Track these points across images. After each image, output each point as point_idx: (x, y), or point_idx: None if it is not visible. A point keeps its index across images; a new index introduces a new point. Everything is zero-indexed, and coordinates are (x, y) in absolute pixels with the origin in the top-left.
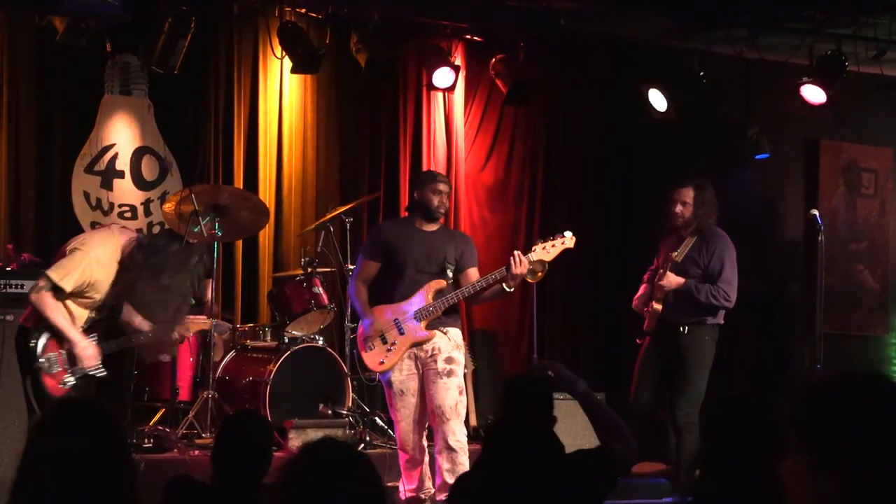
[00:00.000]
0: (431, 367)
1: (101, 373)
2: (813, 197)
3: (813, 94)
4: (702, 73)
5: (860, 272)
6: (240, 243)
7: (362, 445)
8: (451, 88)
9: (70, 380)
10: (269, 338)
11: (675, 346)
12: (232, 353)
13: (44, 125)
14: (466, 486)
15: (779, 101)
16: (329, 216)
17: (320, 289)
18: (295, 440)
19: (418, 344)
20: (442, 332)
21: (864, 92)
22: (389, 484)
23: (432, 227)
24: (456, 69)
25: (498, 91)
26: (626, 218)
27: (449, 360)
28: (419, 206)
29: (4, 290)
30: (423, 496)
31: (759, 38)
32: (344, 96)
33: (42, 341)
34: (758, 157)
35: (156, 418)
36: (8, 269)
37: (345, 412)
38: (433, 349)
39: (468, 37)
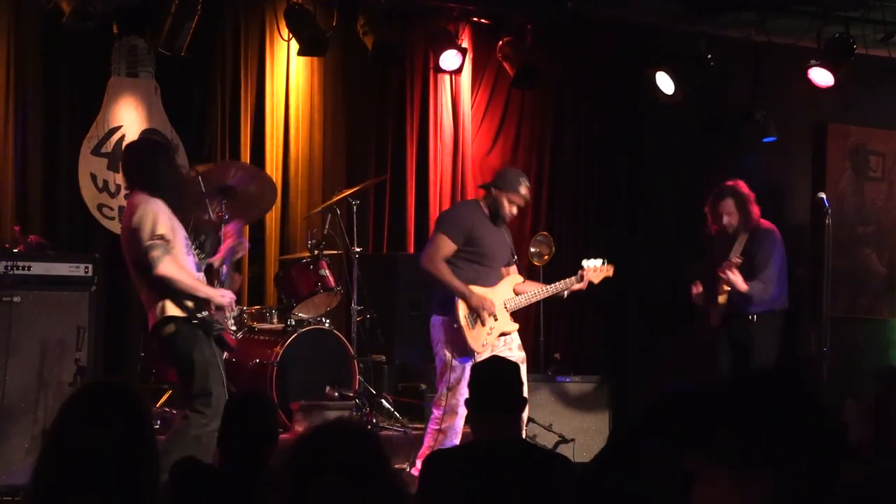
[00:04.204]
0: (508, 356)
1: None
2: (820, 180)
3: (821, 77)
4: (710, 57)
5: (867, 255)
6: (246, 225)
7: (369, 427)
8: (458, 71)
9: (232, 325)
10: (275, 320)
11: (745, 334)
12: (238, 335)
13: (50, 107)
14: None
15: (787, 85)
16: (335, 199)
17: (327, 271)
18: (301, 422)
19: (506, 334)
20: (514, 322)
21: (872, 75)
22: (396, 466)
23: None
24: (463, 52)
25: (505, 74)
26: (634, 202)
27: (520, 348)
28: (491, 205)
29: (12, 272)
30: None
31: (768, 22)
32: (351, 79)
33: (201, 314)
34: (765, 140)
35: (162, 400)
36: (15, 250)
37: (351, 394)
38: (506, 339)
39: (475, 19)
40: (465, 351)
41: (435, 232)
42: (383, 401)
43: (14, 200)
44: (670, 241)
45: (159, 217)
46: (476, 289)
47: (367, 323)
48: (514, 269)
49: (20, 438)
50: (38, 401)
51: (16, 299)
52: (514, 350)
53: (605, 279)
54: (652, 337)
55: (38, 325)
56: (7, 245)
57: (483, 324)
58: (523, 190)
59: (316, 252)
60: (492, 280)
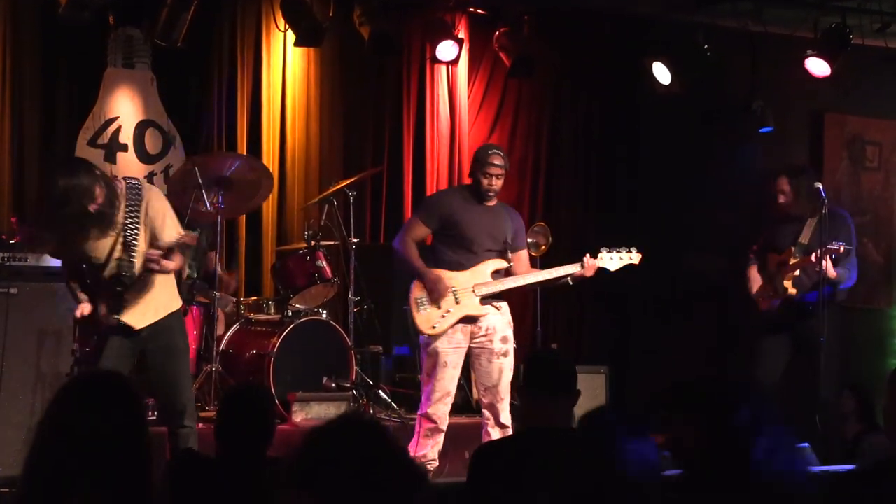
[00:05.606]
0: (487, 347)
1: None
2: (817, 170)
3: (817, 67)
4: (707, 47)
5: (864, 245)
6: (243, 216)
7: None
8: (455, 62)
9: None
10: (272, 311)
11: (807, 324)
12: (235, 327)
13: (47, 98)
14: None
15: (784, 75)
16: (332, 190)
17: (324, 262)
18: (298, 413)
19: (472, 318)
20: (495, 307)
21: (869, 65)
22: None
23: (491, 203)
24: (460, 42)
25: (502, 65)
26: (631, 192)
27: (504, 340)
28: (474, 188)
29: (8, 264)
30: (428, 466)
31: (765, 12)
32: (347, 69)
33: None
34: (762, 130)
35: None
36: (12, 242)
37: (348, 385)
38: (488, 328)
39: (472, 10)
40: (418, 332)
41: (412, 215)
42: (380, 392)
43: (11, 191)
44: (668, 232)
45: None
46: (440, 271)
47: (364, 314)
48: (522, 254)
49: (17, 429)
50: (35, 392)
51: (12, 290)
52: (495, 342)
53: (630, 267)
54: (651, 328)
55: (35, 316)
56: (4, 236)
57: (438, 306)
58: (494, 160)
59: (313, 243)
60: (473, 264)
